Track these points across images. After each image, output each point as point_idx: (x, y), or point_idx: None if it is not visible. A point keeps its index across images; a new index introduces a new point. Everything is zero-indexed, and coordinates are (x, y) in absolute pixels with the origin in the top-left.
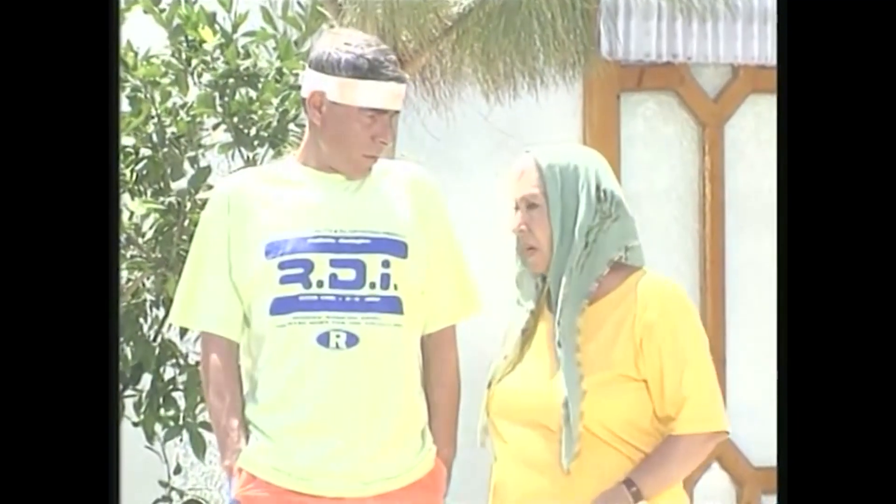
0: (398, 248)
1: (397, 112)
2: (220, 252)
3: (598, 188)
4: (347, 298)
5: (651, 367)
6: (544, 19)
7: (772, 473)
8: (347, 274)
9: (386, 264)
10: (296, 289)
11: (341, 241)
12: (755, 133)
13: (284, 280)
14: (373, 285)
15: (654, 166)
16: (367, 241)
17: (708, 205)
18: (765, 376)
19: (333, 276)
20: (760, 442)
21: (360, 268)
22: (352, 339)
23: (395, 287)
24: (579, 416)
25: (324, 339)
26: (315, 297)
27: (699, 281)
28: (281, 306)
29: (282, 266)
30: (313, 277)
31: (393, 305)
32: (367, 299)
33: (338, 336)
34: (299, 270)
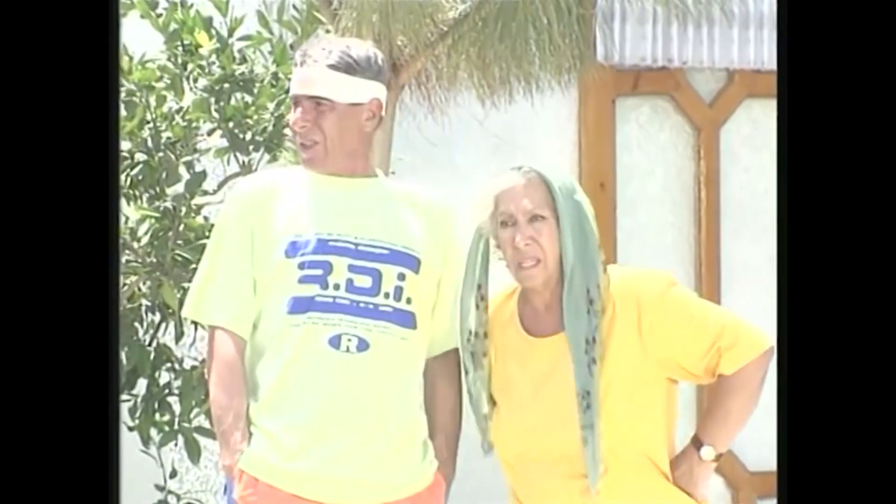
0: (413, 263)
1: (314, 97)
2: (242, 249)
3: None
4: (362, 305)
5: (667, 352)
6: (540, 24)
7: (767, 478)
8: (364, 281)
9: (401, 277)
10: (313, 289)
11: (360, 247)
12: (750, 137)
13: (303, 280)
14: (387, 295)
15: (650, 171)
16: (386, 252)
17: (703, 209)
18: None
19: (350, 282)
20: (756, 446)
21: (377, 276)
22: (363, 345)
23: (409, 301)
24: (600, 436)
25: (335, 342)
26: (331, 300)
27: (695, 285)
28: (298, 306)
29: (301, 266)
30: (331, 280)
31: (405, 319)
32: (381, 308)
33: (349, 340)
34: (318, 272)
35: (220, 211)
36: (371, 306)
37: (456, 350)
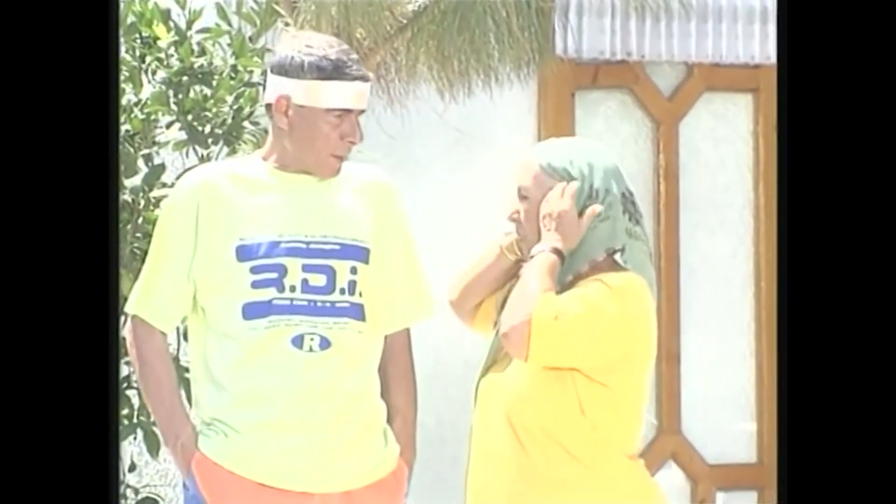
0: (363, 255)
1: (363, 111)
2: (184, 247)
3: (590, 186)
4: (319, 304)
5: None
6: (499, 17)
7: (726, 470)
8: (318, 280)
9: (353, 271)
10: (269, 293)
11: (312, 246)
12: (710, 131)
13: (257, 284)
14: (342, 291)
15: None
16: (337, 248)
17: (662, 203)
18: (719, 374)
19: (305, 282)
20: (715, 439)
21: (331, 274)
22: (325, 343)
23: (360, 294)
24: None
25: (298, 342)
26: (288, 302)
27: (654, 279)
28: (255, 311)
29: (255, 270)
30: (287, 282)
31: (358, 312)
32: (338, 305)
33: (311, 339)
34: (273, 275)
35: (166, 203)
36: (328, 304)
37: (406, 330)
